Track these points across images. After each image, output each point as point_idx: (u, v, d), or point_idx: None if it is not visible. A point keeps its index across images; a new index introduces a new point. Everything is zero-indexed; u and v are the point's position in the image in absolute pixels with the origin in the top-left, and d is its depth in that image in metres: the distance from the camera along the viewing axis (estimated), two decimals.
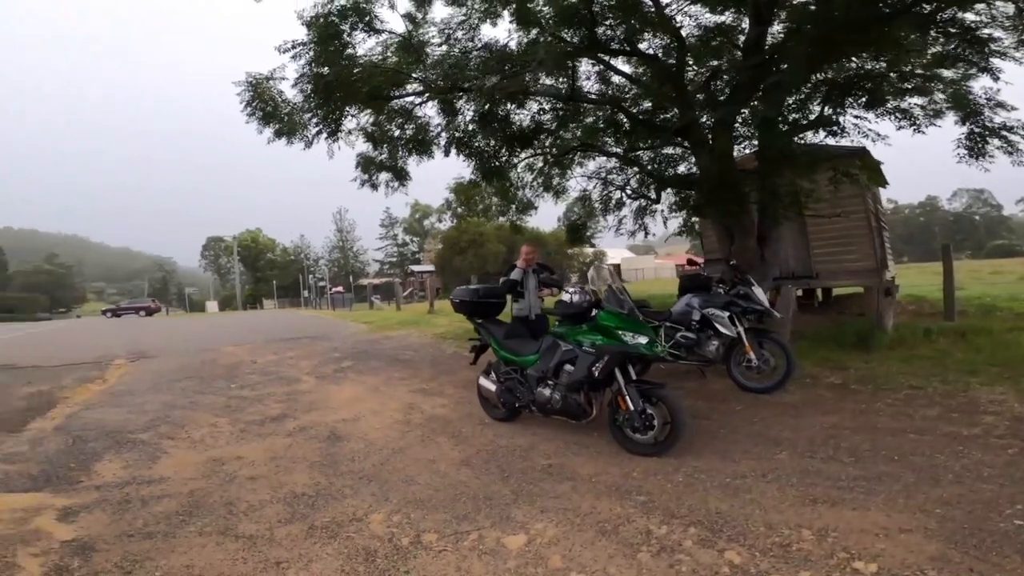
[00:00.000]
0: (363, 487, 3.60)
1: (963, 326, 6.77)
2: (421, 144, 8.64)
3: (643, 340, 3.92)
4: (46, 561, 2.76)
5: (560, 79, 8.01)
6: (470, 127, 8.60)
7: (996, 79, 6.03)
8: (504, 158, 9.05)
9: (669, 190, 8.82)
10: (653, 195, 9.01)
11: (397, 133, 8.86)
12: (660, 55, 7.69)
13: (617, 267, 16.54)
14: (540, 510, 3.11)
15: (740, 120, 7.48)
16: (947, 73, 6.39)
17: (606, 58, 7.93)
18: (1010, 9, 5.56)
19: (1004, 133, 5.93)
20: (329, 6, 7.18)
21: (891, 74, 6.41)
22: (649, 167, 8.78)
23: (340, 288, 43.63)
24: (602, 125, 8.54)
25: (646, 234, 9.50)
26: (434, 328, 13.20)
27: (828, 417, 4.40)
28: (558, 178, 10.12)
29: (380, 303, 30.61)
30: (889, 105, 6.39)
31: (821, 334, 6.96)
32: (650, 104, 8.46)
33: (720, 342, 5.51)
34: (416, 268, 51.64)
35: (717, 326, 5.46)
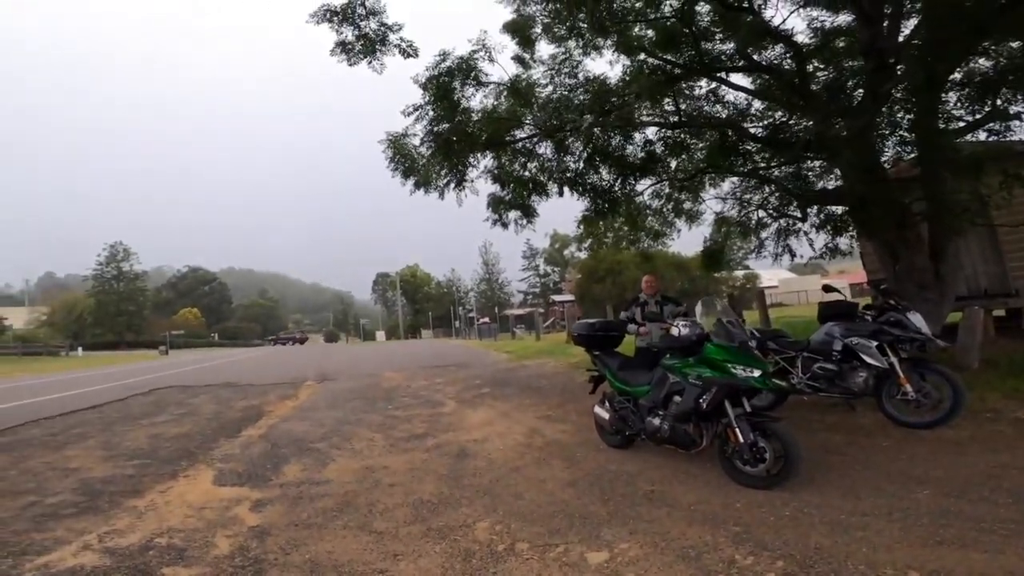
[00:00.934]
0: (477, 499, 3.94)
1: None
2: (536, 185, 9.02)
3: (755, 373, 3.81)
4: (234, 542, 3.47)
5: (665, 106, 7.95)
6: (579, 165, 8.80)
7: None
8: (619, 191, 9.08)
9: (814, 207, 8.07)
10: (797, 213, 8.31)
11: (520, 173, 9.38)
12: (777, 64, 7.29)
13: (761, 292, 15.25)
14: (630, 531, 3.20)
15: (884, 125, 6.69)
16: None
17: (721, 75, 7.72)
18: None
19: None
20: (439, 67, 7.93)
21: None
22: (788, 184, 8.13)
23: (487, 319, 46.17)
24: (717, 149, 8.20)
25: (792, 256, 8.71)
26: (569, 357, 13.44)
27: (997, 456, 3.75)
28: (689, 202, 9.88)
29: (522, 333, 31.69)
30: None
31: (1020, 362, 5.72)
32: (774, 119, 7.96)
33: (868, 373, 4.93)
34: (557, 298, 52.54)
35: (863, 356, 4.92)
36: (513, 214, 9.51)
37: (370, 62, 7.93)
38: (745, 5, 6.72)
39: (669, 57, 7.32)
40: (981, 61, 6.12)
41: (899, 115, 6.67)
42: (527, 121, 8.37)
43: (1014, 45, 5.81)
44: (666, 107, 8.10)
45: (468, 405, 8.23)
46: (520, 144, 9.02)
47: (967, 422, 4.57)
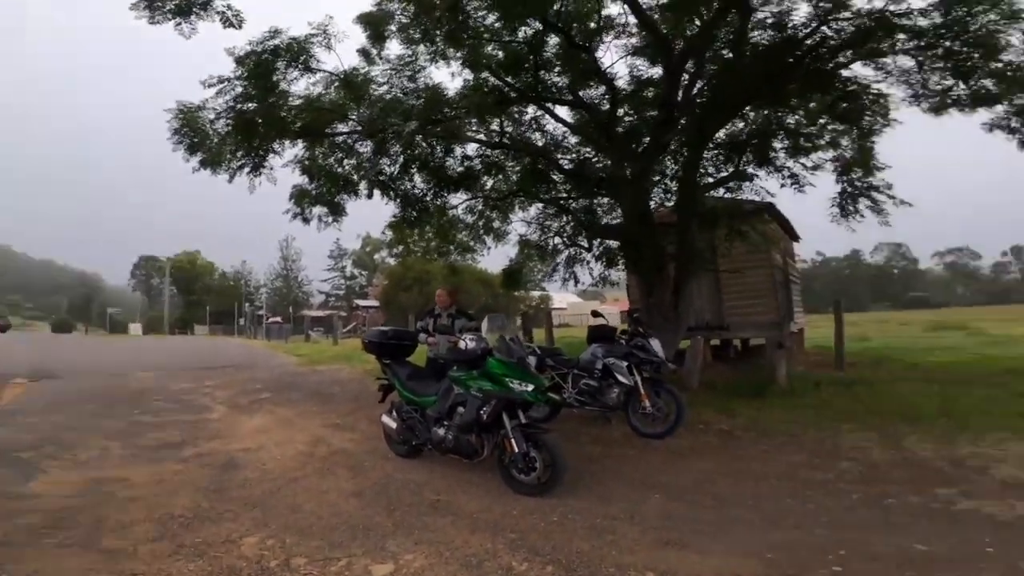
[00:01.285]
0: (245, 512, 3.63)
1: (850, 377, 7.33)
2: (348, 183, 8.68)
3: (529, 388, 4.13)
4: None
5: (491, 126, 8.38)
6: (394, 169, 8.74)
7: (869, 136, 6.75)
8: (432, 201, 9.22)
9: (598, 240, 9.19)
10: (586, 244, 9.37)
11: (334, 168, 8.86)
12: (596, 103, 8.21)
13: (548, 313, 16.86)
14: (415, 542, 3.18)
15: (663, 174, 8.06)
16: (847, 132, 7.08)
17: (548, 105, 8.40)
18: (907, 62, 6.09)
19: (872, 193, 6.62)
20: (264, 44, 7.20)
21: (784, 132, 7.10)
22: (581, 216, 9.13)
23: (278, 318, 42.01)
24: (529, 174, 8.88)
25: (576, 282, 9.78)
26: (366, 364, 12.92)
27: (707, 463, 4.64)
28: (498, 222, 10.34)
29: (319, 336, 29.68)
30: (777, 163, 7.04)
31: (728, 383, 7.32)
32: (582, 154, 8.94)
33: (620, 390, 5.74)
34: (361, 302, 50.67)
35: (616, 375, 5.71)
36: (318, 210, 8.94)
37: (179, 23, 6.66)
38: (587, 45, 7.41)
39: (509, 80, 7.66)
40: (740, 125, 7.72)
41: (670, 167, 8.07)
42: (352, 117, 7.98)
43: (764, 113, 7.42)
44: (492, 127, 8.49)
45: (243, 411, 7.48)
46: (341, 139, 8.56)
47: (687, 433, 5.49)
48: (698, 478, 4.24)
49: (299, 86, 7.87)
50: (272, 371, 12.89)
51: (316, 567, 2.87)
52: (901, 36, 5.67)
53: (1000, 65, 5.53)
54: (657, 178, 8.06)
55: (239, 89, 7.36)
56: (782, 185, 7.41)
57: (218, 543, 3.13)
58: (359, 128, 8.06)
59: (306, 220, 8.90)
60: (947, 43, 5.51)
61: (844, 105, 6.49)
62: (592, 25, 7.50)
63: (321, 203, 8.89)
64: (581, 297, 58.33)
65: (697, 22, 6.56)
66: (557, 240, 9.79)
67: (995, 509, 3.35)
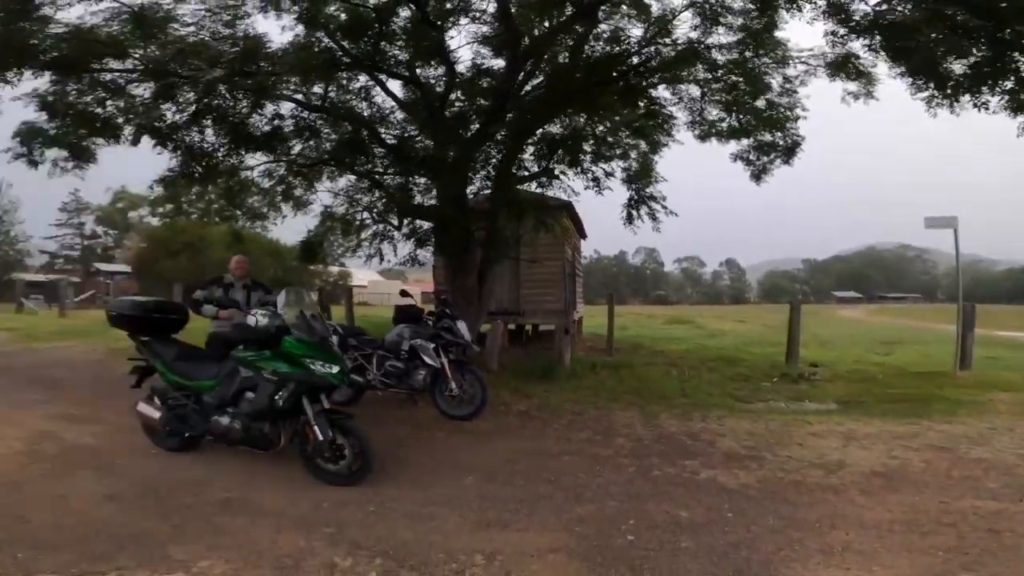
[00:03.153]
0: None
1: (617, 361, 8.69)
2: (108, 126, 7.09)
3: (333, 369, 3.83)
4: None
5: (315, 88, 7.64)
6: (181, 118, 7.41)
7: (655, 151, 7.99)
8: (224, 158, 8.06)
9: (408, 219, 9.08)
10: (395, 222, 9.17)
11: (91, 108, 7.09)
12: (431, 84, 8.05)
13: (350, 290, 16.27)
14: (208, 547, 2.81)
15: (485, 162, 8.31)
16: (642, 145, 8.17)
17: (382, 78, 7.93)
18: (695, 91, 7.27)
19: (650, 202, 7.90)
20: None
21: (592, 137, 7.97)
22: (395, 193, 8.90)
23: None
24: (350, 143, 8.37)
25: (381, 259, 9.56)
26: (110, 341, 10.55)
27: (510, 443, 4.95)
28: (302, 190, 9.60)
29: (36, 305, 23.17)
30: (584, 166, 7.93)
31: (521, 366, 7.94)
32: (407, 131, 8.71)
33: (427, 372, 5.77)
34: (105, 267, 41.10)
35: (423, 356, 5.72)
36: (54, 153, 7.12)
37: None
38: (437, 23, 7.10)
39: (346, 44, 7.00)
40: (555, 128, 8.27)
41: (492, 156, 8.35)
42: (135, 54, 6.42)
43: (581, 119, 8.06)
44: (315, 89, 7.72)
45: None
46: (109, 77, 6.86)
47: (490, 415, 5.69)
48: (505, 458, 4.48)
49: (71, 13, 6.09)
50: None
51: None
52: (698, 67, 6.72)
53: (759, 104, 6.89)
54: (478, 165, 8.28)
55: None
56: (586, 187, 8.28)
57: None
58: (140, 67, 6.55)
59: (34, 163, 7.00)
60: (729, 77, 6.67)
61: (645, 121, 7.54)
62: (449, 5, 7.35)
63: (60, 145, 7.05)
64: (382, 276, 57.13)
65: (547, 24, 6.90)
66: (366, 215, 9.43)
67: (726, 479, 3.98)
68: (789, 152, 7.52)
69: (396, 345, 5.91)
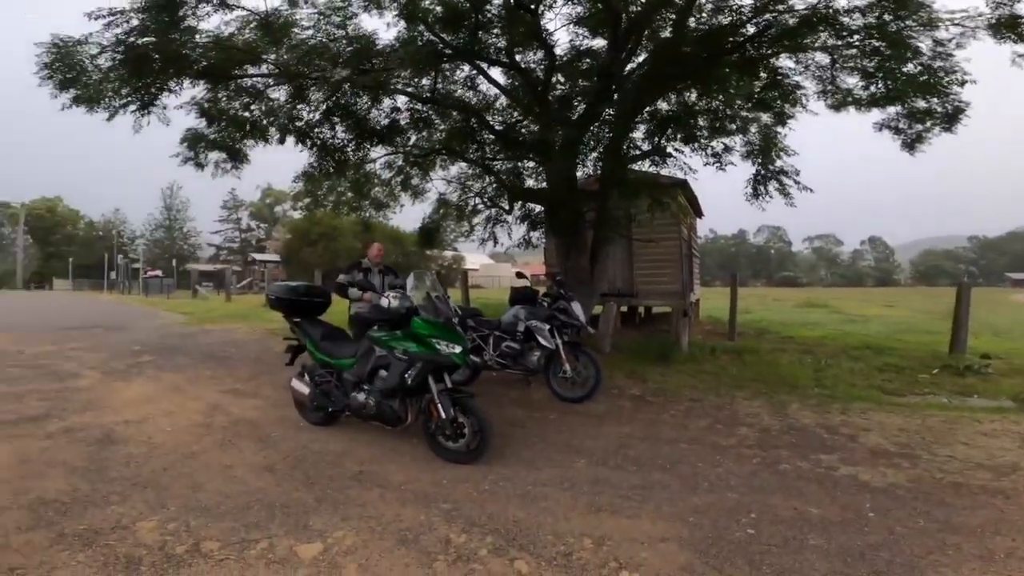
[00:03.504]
0: (135, 494, 3.28)
1: (740, 346, 8.09)
2: (256, 128, 7.92)
3: (456, 349, 3.99)
4: None
5: (423, 81, 7.93)
6: (314, 117, 8.12)
7: (781, 123, 7.25)
8: (352, 153, 8.70)
9: (520, 203, 9.18)
10: (506, 206, 9.32)
11: (239, 112, 7.99)
12: (532, 69, 8.03)
13: (465, 273, 16.81)
14: (342, 518, 3.02)
15: (594, 142, 8.11)
16: (764, 118, 7.52)
17: (483, 65, 8.07)
18: (824, 59, 6.54)
19: (781, 177, 7.16)
20: None
21: (706, 112, 7.42)
22: (505, 178, 9.05)
23: (158, 272, 37.64)
24: (460, 132, 8.59)
25: (495, 243, 9.76)
26: (267, 323, 12.10)
27: (623, 427, 4.83)
28: (418, 179, 10.09)
29: (207, 292, 27.16)
30: (701, 142, 7.38)
31: (635, 348, 7.73)
32: (513, 118, 8.78)
33: (541, 353, 5.78)
34: (259, 256, 46.95)
35: (538, 338, 5.73)
36: (215, 155, 8.18)
37: None
38: (533, 8, 7.13)
39: (445, 36, 7.25)
40: (663, 105, 7.90)
41: (600, 136, 8.13)
42: (268, 59, 7.17)
43: (692, 95, 7.62)
44: (423, 82, 8.04)
45: (119, 377, 6.68)
46: (250, 82, 7.71)
47: (603, 397, 5.63)
48: (618, 442, 4.40)
49: (210, 23, 6.95)
50: (153, 331, 11.65)
51: (232, 551, 2.64)
52: (823, 34, 6.02)
53: (909, 69, 6.02)
54: (586, 146, 8.10)
55: (135, 22, 6.25)
56: (705, 163, 7.73)
57: (107, 530, 2.80)
58: (275, 71, 7.27)
59: (200, 165, 8.13)
60: (867, 43, 5.91)
61: (766, 93, 6.86)
62: None
63: (220, 148, 8.09)
64: (493, 259, 58.79)
65: None
66: (477, 201, 9.68)
67: (869, 476, 3.63)
68: (950, 119, 6.43)
69: (512, 326, 5.95)
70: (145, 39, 6.28)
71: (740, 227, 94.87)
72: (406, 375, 3.95)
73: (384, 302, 4.16)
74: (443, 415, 3.88)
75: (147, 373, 6.94)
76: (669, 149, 7.59)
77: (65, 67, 6.38)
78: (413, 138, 9.21)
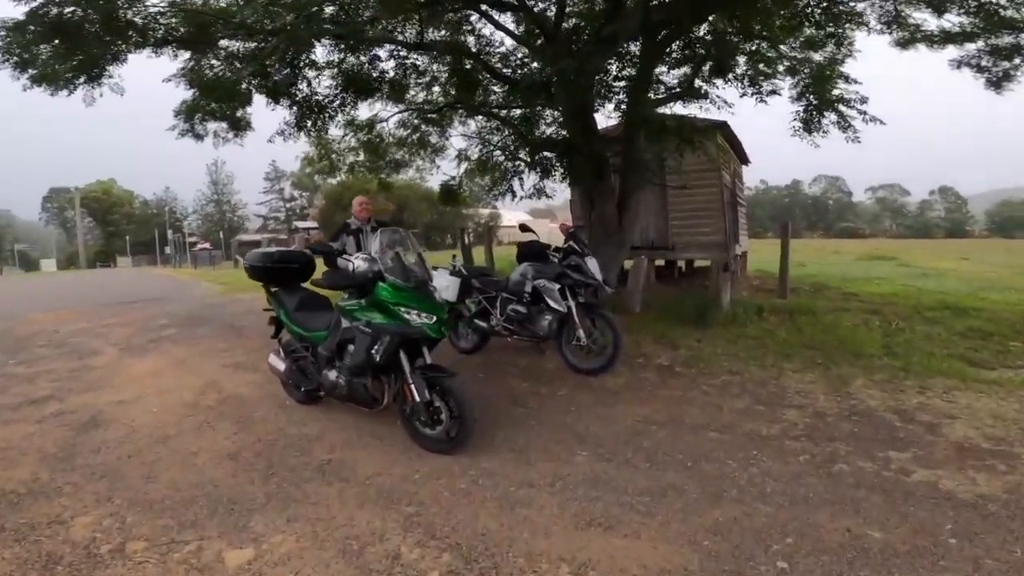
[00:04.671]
0: (89, 485, 3.13)
1: (792, 304, 6.95)
2: (239, 93, 7.28)
3: (430, 320, 3.36)
4: None
5: (407, 26, 7.10)
6: (287, 73, 7.35)
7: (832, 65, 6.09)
8: (339, 108, 8.00)
9: (536, 151, 8.37)
10: (527, 157, 8.56)
11: (227, 77, 7.31)
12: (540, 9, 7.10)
13: (489, 229, 16.13)
14: (288, 519, 2.70)
15: (610, 79, 7.09)
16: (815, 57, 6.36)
17: (486, 8, 7.19)
18: None
19: (840, 106, 5.97)
20: None
21: (742, 54, 6.29)
22: (519, 125, 8.22)
23: (207, 244, 39.04)
24: (464, 81, 7.79)
25: (513, 196, 9.03)
26: None
27: (642, 407, 4.06)
28: (435, 136, 9.53)
29: None
30: (737, 72, 6.26)
31: (669, 307, 6.82)
32: (518, 59, 7.86)
33: (553, 317, 4.99)
34: (300, 224, 47.93)
35: (547, 300, 4.93)
36: (214, 125, 7.73)
37: None
38: None
39: None
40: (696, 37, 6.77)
41: (624, 69, 7.10)
42: (236, 19, 6.52)
43: (729, 31, 6.48)
44: (407, 29, 7.22)
45: (135, 353, 6.59)
46: (235, 47, 7.09)
47: (624, 368, 4.90)
48: (633, 428, 3.70)
49: None
50: (188, 303, 11.74)
51: (156, 553, 2.43)
52: None
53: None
54: (605, 80, 7.06)
55: None
56: (742, 95, 6.63)
57: (44, 524, 2.68)
58: (241, 31, 6.58)
59: (198, 136, 7.67)
60: None
61: (817, 30, 5.75)
62: None
63: (219, 118, 7.60)
64: (532, 215, 57.65)
65: None
66: (499, 154, 8.99)
67: (953, 483, 2.82)
68: None
69: (519, 286, 5.19)
70: (70, 8, 5.66)
71: (794, 177, 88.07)
72: (372, 350, 3.37)
73: (349, 265, 3.57)
74: (416, 397, 3.32)
75: (162, 347, 6.86)
76: (703, 89, 6.53)
77: (18, 48, 5.94)
78: (418, 93, 8.57)
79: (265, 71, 7.02)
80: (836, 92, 6.11)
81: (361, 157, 10.38)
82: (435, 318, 3.38)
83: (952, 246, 32.88)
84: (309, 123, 7.86)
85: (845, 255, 20.60)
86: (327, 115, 7.90)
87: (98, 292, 15.90)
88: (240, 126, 7.91)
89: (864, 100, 5.98)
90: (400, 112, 8.81)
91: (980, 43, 5.60)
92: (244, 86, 7.28)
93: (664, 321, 6.35)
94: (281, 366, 4.24)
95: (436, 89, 8.62)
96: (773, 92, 6.31)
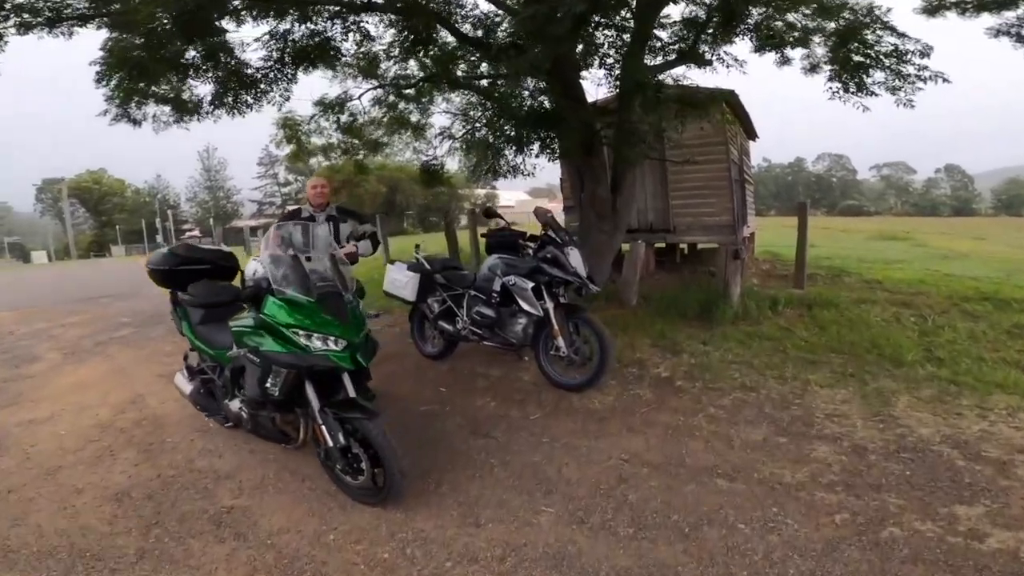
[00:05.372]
0: None
1: (811, 296, 6.00)
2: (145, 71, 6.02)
3: (337, 346, 2.53)
4: None
5: None
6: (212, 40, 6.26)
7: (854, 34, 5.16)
8: (273, 80, 6.95)
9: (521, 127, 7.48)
10: (510, 131, 7.71)
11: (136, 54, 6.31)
12: None
13: (487, 210, 14.95)
14: None
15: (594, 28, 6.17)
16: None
17: None
18: None
19: (887, 59, 5.00)
20: None
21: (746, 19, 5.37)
22: (500, 97, 7.30)
23: (195, 232, 38.09)
24: (413, 45, 6.85)
25: (496, 175, 8.22)
26: None
27: (633, 439, 3.23)
28: (417, 114, 8.74)
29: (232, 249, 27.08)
30: (750, 23, 5.34)
31: (668, 299, 5.98)
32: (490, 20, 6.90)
33: (528, 320, 4.10)
34: (293, 207, 47.17)
35: (519, 301, 4.03)
36: (154, 109, 6.76)
37: None
38: None
39: None
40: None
41: (617, 40, 6.19)
42: None
43: None
44: None
45: (76, 359, 6.03)
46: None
47: (614, 382, 4.09)
48: (617, 471, 2.89)
49: None
50: (156, 298, 10.94)
51: None
52: None
53: None
54: (586, 32, 6.09)
55: None
56: (758, 49, 5.68)
57: None
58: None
59: (135, 122, 6.68)
60: None
61: None
62: None
63: (160, 100, 6.63)
64: (530, 195, 56.41)
65: None
66: (483, 131, 8.16)
67: None
68: None
69: (488, 283, 4.32)
70: None
71: (797, 155, 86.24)
72: (266, 385, 2.57)
73: (249, 269, 2.75)
74: (329, 442, 2.55)
75: (108, 351, 6.26)
76: (706, 52, 5.63)
77: None
78: (393, 69, 7.74)
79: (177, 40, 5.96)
80: (879, 47, 5.12)
81: (335, 139, 9.60)
82: (346, 343, 2.54)
83: (962, 225, 31.45)
84: (230, 98, 6.73)
85: (855, 234, 19.48)
86: (258, 90, 6.82)
87: (74, 287, 15.14)
88: (186, 108, 6.97)
89: (926, 52, 4.93)
90: (372, 88, 8.04)
91: (1021, 10, 4.85)
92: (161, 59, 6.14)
93: (664, 318, 5.49)
94: (187, 388, 3.45)
95: (412, 63, 7.76)
96: (800, 44, 5.36)
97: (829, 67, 5.36)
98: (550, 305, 3.99)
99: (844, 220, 38.82)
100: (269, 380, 2.54)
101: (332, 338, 2.51)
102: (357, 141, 9.27)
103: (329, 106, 8.16)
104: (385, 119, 8.73)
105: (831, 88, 5.22)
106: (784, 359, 4.37)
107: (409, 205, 37.63)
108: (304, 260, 2.74)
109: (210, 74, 6.46)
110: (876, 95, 5.08)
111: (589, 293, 4.14)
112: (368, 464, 2.53)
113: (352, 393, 2.62)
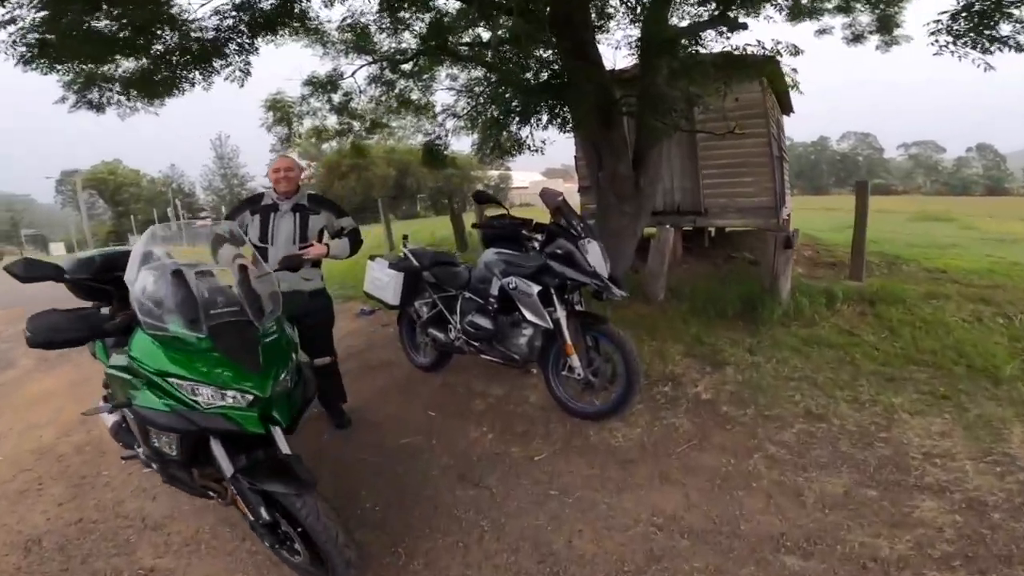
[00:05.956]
0: None
1: (871, 289, 5.00)
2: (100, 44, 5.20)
3: (241, 401, 1.81)
4: None
5: None
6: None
7: None
8: (235, 51, 6.22)
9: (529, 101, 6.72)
10: (516, 104, 6.95)
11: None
12: None
13: (479, 195, 13.99)
14: None
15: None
16: None
17: None
18: None
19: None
20: None
21: None
22: (502, 67, 6.52)
23: (206, 220, 38.05)
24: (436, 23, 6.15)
25: (501, 152, 7.57)
26: None
27: (668, 493, 2.44)
28: (418, 92, 8.15)
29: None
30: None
31: (702, 293, 5.13)
32: None
33: (535, 331, 3.29)
34: (254, 193, 47.37)
35: (522, 308, 3.19)
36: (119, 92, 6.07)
37: None
38: None
39: None
40: None
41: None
42: None
43: None
44: None
45: (48, 366, 5.58)
46: None
47: (642, 405, 3.30)
48: (646, 545, 2.11)
49: None
50: None
51: None
52: None
53: None
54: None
55: None
56: (792, 17, 4.94)
57: None
58: None
59: (97, 108, 6.04)
60: None
61: None
62: None
63: (129, 84, 5.87)
64: (546, 176, 55.25)
65: None
66: (488, 105, 7.47)
67: None
68: None
69: (484, 283, 3.51)
70: None
71: (821, 134, 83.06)
72: (157, 445, 1.88)
73: (138, 283, 1.98)
74: (251, 516, 1.89)
75: (82, 358, 5.71)
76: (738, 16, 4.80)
77: None
78: (387, 42, 7.13)
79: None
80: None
81: (331, 121, 8.97)
82: (253, 397, 1.83)
83: (1001, 205, 29.40)
84: (184, 71, 5.90)
85: (892, 215, 18.10)
86: (208, 67, 5.95)
87: None
88: (156, 92, 6.26)
89: None
90: (366, 64, 7.41)
91: None
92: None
93: (699, 317, 4.64)
94: (109, 420, 2.73)
95: (407, 35, 7.10)
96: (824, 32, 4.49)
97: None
98: (561, 314, 3.15)
99: (874, 199, 36.66)
100: (159, 439, 1.86)
101: (232, 391, 1.80)
102: (355, 123, 8.64)
103: (320, 85, 7.59)
104: (383, 98, 8.11)
105: (940, 42, 4.21)
106: (855, 374, 3.50)
107: (421, 188, 37.05)
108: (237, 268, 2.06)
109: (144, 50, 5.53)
110: (1006, 48, 4.06)
111: (612, 298, 3.22)
112: (303, 545, 1.88)
113: (285, 449, 1.91)
